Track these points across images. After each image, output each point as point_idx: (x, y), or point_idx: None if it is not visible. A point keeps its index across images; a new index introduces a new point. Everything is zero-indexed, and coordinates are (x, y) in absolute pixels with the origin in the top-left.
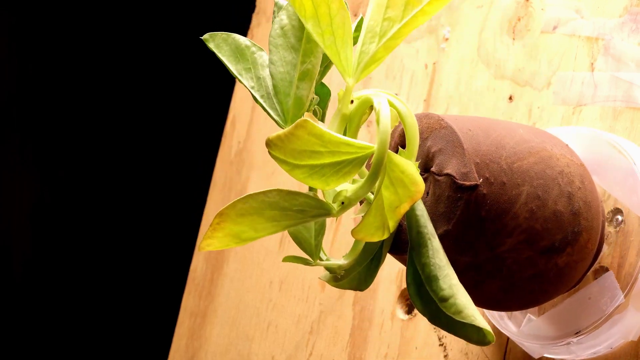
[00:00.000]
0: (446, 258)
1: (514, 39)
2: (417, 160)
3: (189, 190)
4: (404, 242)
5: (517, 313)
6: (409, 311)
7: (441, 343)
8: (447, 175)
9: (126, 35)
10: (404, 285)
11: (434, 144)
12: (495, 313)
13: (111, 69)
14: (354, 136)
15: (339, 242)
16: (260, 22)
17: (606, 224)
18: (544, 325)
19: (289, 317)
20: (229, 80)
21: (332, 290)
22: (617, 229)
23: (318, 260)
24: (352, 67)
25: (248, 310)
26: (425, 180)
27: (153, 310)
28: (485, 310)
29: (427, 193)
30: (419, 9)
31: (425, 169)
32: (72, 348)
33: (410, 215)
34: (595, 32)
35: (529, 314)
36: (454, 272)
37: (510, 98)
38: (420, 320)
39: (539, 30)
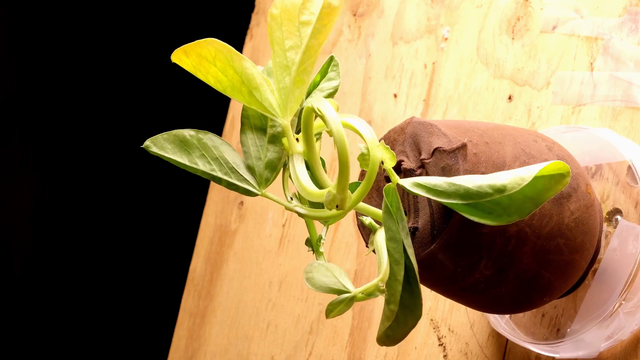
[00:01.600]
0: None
1: (513, 38)
2: (412, 163)
3: (188, 190)
4: None
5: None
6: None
7: (441, 343)
8: (437, 150)
9: (126, 35)
10: None
11: (414, 143)
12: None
13: (111, 69)
14: (314, 149)
15: (339, 241)
16: (260, 22)
17: (606, 223)
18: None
19: (289, 317)
20: None
21: None
22: (617, 229)
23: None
24: (279, 108)
25: (247, 310)
26: (424, 173)
27: (153, 310)
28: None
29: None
30: (312, 29)
31: (419, 165)
32: (72, 348)
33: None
34: (595, 31)
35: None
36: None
37: (510, 98)
38: (420, 320)
39: (538, 30)
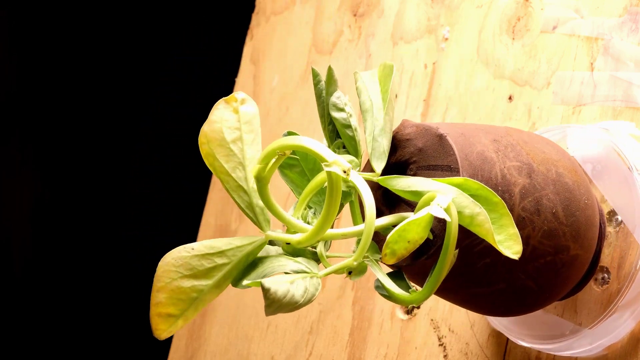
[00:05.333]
0: None
1: (513, 38)
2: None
3: (188, 190)
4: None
5: None
6: (409, 311)
7: (441, 343)
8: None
9: (126, 36)
10: None
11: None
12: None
13: (111, 68)
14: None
15: (339, 241)
16: (260, 22)
17: (606, 224)
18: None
19: (289, 316)
20: (229, 80)
21: (332, 290)
22: (617, 229)
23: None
24: (263, 224)
25: (247, 310)
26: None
27: None
28: None
29: None
30: (243, 141)
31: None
32: (72, 348)
33: None
34: (595, 31)
35: None
36: None
37: (510, 98)
38: (420, 321)
39: (539, 30)
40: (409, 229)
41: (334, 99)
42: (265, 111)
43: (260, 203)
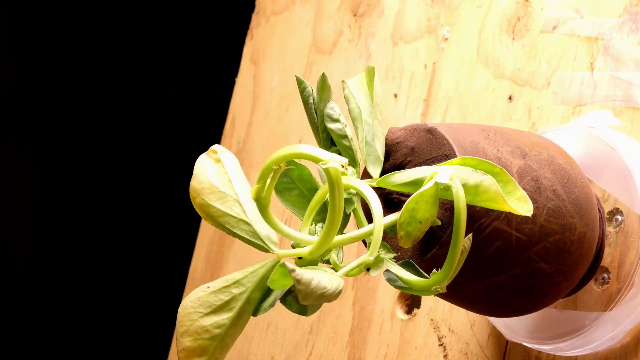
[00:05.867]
0: None
1: (513, 38)
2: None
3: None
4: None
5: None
6: (409, 311)
7: (441, 343)
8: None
9: (126, 35)
10: None
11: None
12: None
13: (111, 68)
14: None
15: (349, 254)
16: (260, 22)
17: (606, 224)
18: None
19: (289, 317)
20: (229, 80)
21: None
22: (617, 229)
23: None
24: (270, 243)
25: None
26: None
27: (153, 310)
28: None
29: None
30: (236, 182)
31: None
32: (72, 348)
33: None
34: (595, 31)
35: None
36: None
37: (510, 98)
38: (420, 321)
39: (539, 30)
40: (418, 207)
41: (328, 110)
42: (265, 111)
43: (264, 228)
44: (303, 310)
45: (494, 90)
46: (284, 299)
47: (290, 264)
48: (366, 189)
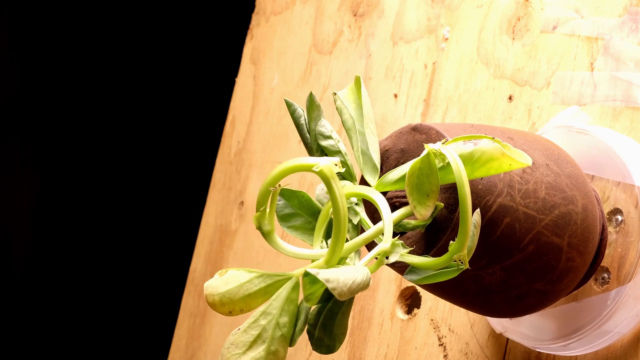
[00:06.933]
0: None
1: (513, 38)
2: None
3: (189, 190)
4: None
5: None
6: (409, 311)
7: (441, 343)
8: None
9: (126, 35)
10: (404, 285)
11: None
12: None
13: (111, 69)
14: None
15: None
16: (260, 22)
17: (606, 224)
18: (541, 325)
19: None
20: (229, 80)
21: None
22: (617, 229)
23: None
24: None
25: None
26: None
27: (153, 310)
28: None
29: None
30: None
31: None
32: (72, 348)
33: None
34: (595, 31)
35: None
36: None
37: (510, 98)
38: (420, 320)
39: (539, 30)
40: (419, 182)
41: (320, 128)
42: (265, 111)
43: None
44: (331, 346)
45: (494, 90)
46: (314, 347)
47: (313, 269)
48: (367, 190)
